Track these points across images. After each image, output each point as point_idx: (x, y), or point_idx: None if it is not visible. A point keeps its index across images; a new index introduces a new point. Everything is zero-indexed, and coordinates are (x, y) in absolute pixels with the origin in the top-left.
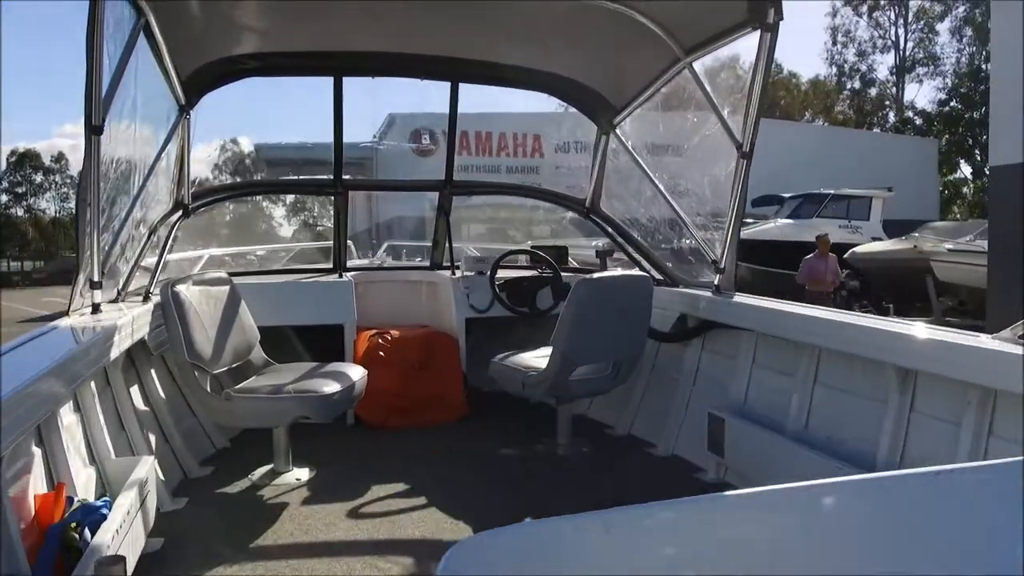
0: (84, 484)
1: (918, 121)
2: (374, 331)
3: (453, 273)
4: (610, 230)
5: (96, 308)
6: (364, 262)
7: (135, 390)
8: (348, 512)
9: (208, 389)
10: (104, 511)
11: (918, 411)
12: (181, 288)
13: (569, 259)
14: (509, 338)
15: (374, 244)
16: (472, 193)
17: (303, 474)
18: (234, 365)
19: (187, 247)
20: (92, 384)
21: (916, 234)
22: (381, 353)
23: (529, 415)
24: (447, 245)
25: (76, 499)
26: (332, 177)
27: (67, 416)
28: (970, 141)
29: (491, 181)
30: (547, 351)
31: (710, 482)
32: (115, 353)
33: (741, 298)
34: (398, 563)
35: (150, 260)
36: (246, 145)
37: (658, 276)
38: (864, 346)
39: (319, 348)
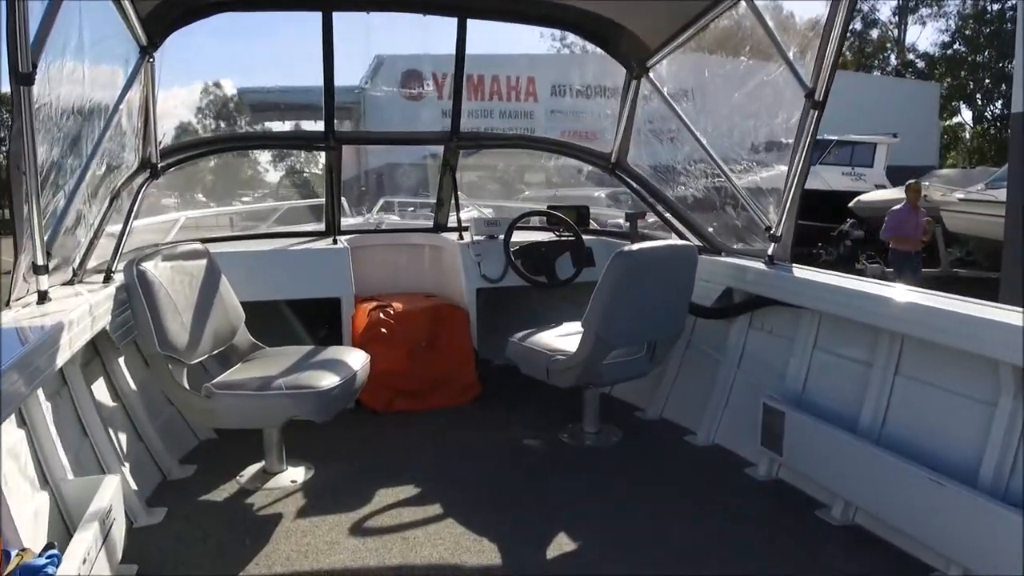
0: (32, 518)
1: (920, 64)
2: (375, 304)
3: (461, 237)
4: (640, 188)
5: (43, 297)
6: (358, 220)
7: (99, 386)
8: (351, 527)
9: (185, 385)
10: (50, 570)
11: None
12: (148, 266)
13: (591, 220)
14: (524, 306)
15: (363, 192)
16: (482, 146)
17: (298, 474)
18: (215, 352)
19: (159, 210)
20: (40, 393)
21: (925, 183)
22: (383, 330)
23: (548, 394)
24: (453, 204)
25: (13, 553)
26: (323, 129)
27: (9, 435)
28: (971, 85)
29: (503, 133)
30: (572, 328)
31: (762, 480)
32: (68, 353)
33: (800, 271)
34: None
35: (115, 228)
36: (229, 89)
37: (698, 243)
38: (966, 339)
39: (313, 324)
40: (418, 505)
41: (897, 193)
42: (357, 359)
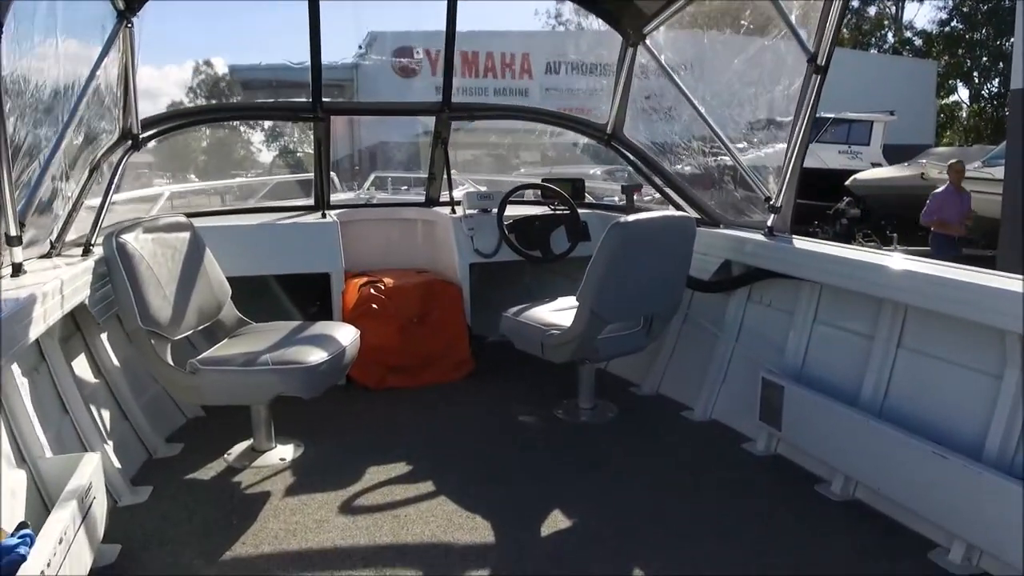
0: (8, 497)
1: (917, 42)
2: (365, 279)
3: (453, 211)
4: (636, 160)
5: (17, 269)
6: (349, 196)
7: (81, 362)
8: (341, 505)
9: (169, 361)
10: (22, 549)
11: None
12: (128, 238)
13: (586, 193)
14: (518, 280)
15: (357, 170)
16: (474, 117)
17: (287, 452)
18: (200, 328)
19: (143, 182)
20: (16, 366)
21: (922, 160)
22: (374, 306)
23: (543, 370)
24: (445, 178)
25: None
26: (310, 100)
27: None
28: (968, 63)
29: (495, 104)
30: (567, 302)
31: (761, 455)
32: (42, 327)
33: (800, 242)
34: None
35: (95, 201)
36: (220, 67)
37: (695, 215)
38: (970, 308)
39: (302, 301)
40: (410, 483)
41: (893, 171)
42: (347, 334)
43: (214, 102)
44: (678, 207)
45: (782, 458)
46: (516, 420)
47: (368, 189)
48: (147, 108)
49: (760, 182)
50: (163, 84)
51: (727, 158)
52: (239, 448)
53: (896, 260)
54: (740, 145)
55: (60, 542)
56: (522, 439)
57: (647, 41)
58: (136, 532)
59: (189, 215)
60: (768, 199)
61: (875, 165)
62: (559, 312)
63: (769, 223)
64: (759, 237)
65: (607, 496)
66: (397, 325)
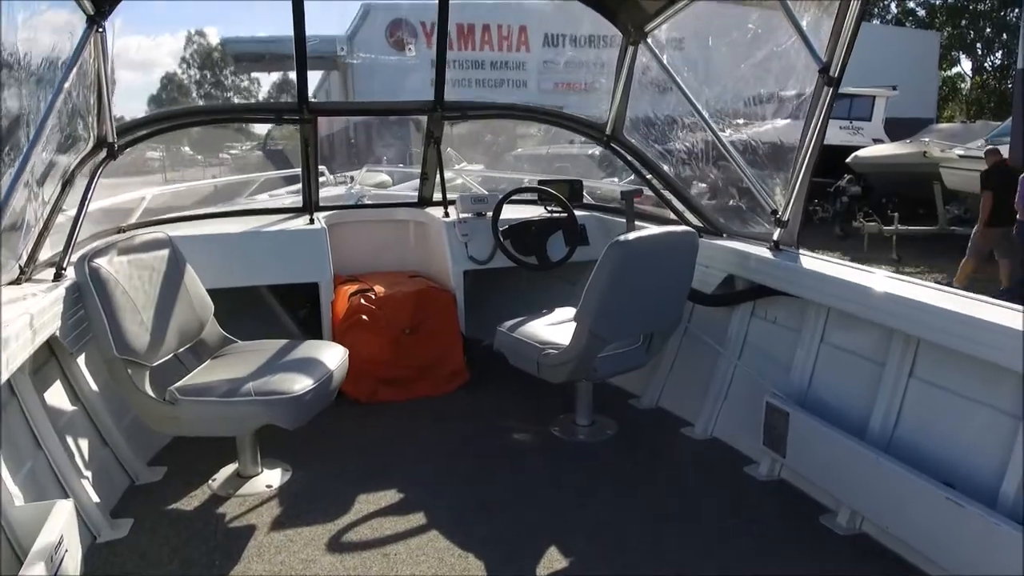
0: None
1: (920, 12)
2: (356, 287)
3: (447, 214)
4: (636, 163)
5: None
6: (340, 191)
7: (56, 391)
8: (329, 542)
9: (148, 389)
10: None
11: None
12: (102, 262)
13: (584, 194)
14: (514, 285)
15: (351, 144)
16: (467, 117)
17: (274, 477)
18: (181, 350)
19: (141, 164)
20: None
21: (925, 139)
22: (364, 317)
23: (540, 381)
24: (438, 178)
25: None
26: (296, 100)
27: None
28: (972, 34)
29: (490, 102)
30: (565, 314)
31: (764, 480)
32: (10, 369)
33: (808, 261)
34: None
35: (70, 213)
36: (213, 37)
37: (697, 223)
38: (987, 349)
39: (293, 305)
40: (400, 514)
41: (895, 149)
42: (334, 356)
43: (208, 75)
44: (679, 214)
45: (786, 484)
46: (511, 438)
47: (360, 187)
48: (140, 80)
49: (766, 193)
50: (156, 54)
51: (730, 163)
52: (224, 473)
53: (909, 288)
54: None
55: None
56: (517, 461)
57: (648, 40)
58: (115, 574)
59: (170, 219)
60: (775, 212)
61: (877, 141)
62: (556, 327)
63: (775, 237)
64: (764, 252)
65: (604, 528)
66: (389, 337)
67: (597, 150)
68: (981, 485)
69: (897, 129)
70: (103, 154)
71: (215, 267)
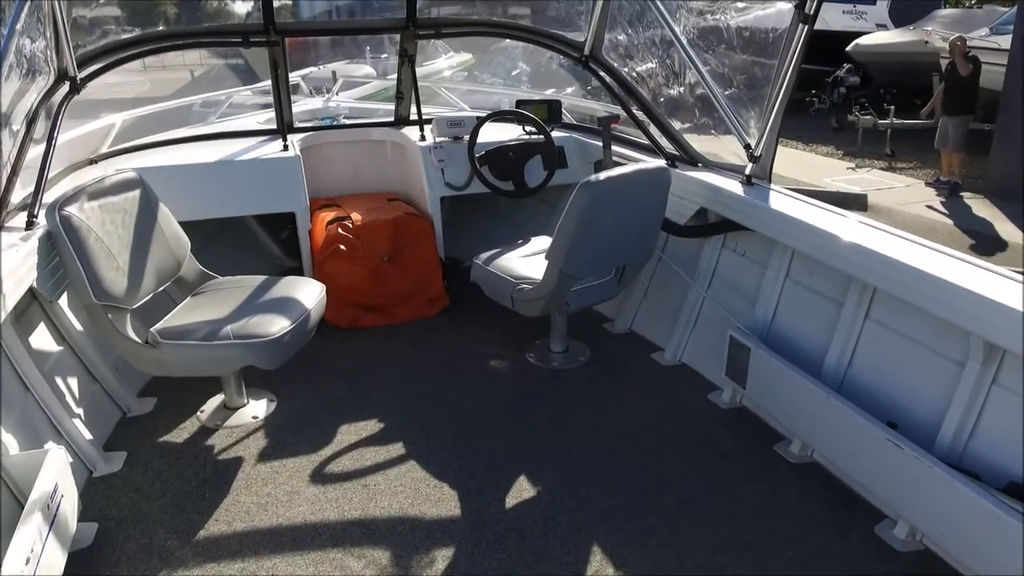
0: None
1: None
2: (333, 214)
3: (423, 138)
4: (615, 86)
5: None
6: (317, 103)
7: (41, 333)
8: (312, 473)
9: (130, 332)
10: None
11: (1002, 386)
12: (72, 210)
13: (564, 113)
14: (493, 208)
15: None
16: (442, 35)
17: (260, 408)
18: (161, 290)
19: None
20: None
21: (927, 27)
22: (342, 247)
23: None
24: (414, 98)
25: None
26: (261, 21)
27: None
28: None
29: (464, 18)
30: (542, 244)
31: (726, 408)
32: None
33: (778, 198)
34: (369, 559)
35: (39, 150)
36: None
37: (673, 151)
38: (939, 305)
39: (273, 228)
40: (379, 444)
41: (896, 37)
42: (311, 293)
43: (160, 29)
44: (654, 141)
45: (746, 412)
46: (487, 365)
47: (336, 105)
48: None
49: (741, 126)
50: None
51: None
52: (212, 404)
53: (871, 237)
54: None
55: (27, 562)
56: (491, 389)
57: None
58: (111, 508)
59: (142, 146)
60: (748, 146)
61: (880, 27)
62: (531, 260)
63: (748, 171)
64: (736, 186)
65: (571, 458)
66: (367, 266)
67: None
68: (922, 426)
69: (904, 15)
70: (65, 88)
71: (188, 199)
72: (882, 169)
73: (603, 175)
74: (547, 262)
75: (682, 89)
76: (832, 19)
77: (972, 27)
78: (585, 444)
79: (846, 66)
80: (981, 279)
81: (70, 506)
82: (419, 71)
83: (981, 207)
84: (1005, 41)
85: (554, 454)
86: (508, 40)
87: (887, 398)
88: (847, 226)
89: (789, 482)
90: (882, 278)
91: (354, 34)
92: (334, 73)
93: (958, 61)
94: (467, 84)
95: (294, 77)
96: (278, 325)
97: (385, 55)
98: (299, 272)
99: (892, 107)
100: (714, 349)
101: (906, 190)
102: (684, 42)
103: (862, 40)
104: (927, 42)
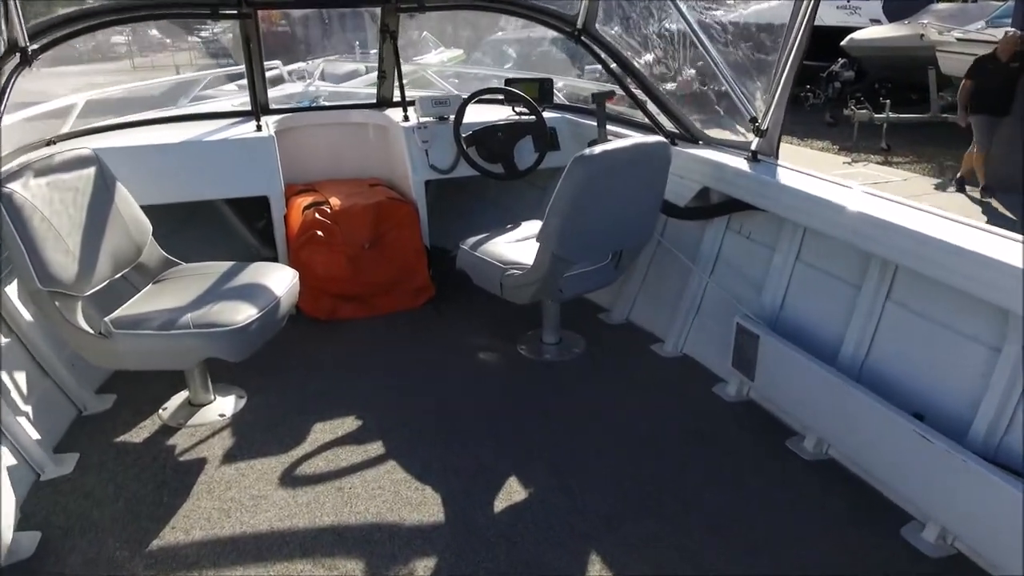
0: None
1: None
2: (310, 199)
3: (406, 118)
4: (610, 62)
5: None
6: (298, 88)
7: None
8: (282, 476)
9: (81, 324)
10: None
11: None
12: (15, 187)
13: (555, 93)
14: (482, 193)
15: (326, 25)
16: (425, 8)
17: (227, 405)
18: (118, 277)
19: (107, 49)
20: None
21: (923, 20)
22: (320, 233)
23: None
24: (396, 77)
25: None
26: None
27: None
28: None
29: None
30: (532, 228)
31: (731, 401)
32: None
33: (786, 173)
34: (342, 570)
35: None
36: None
37: (672, 128)
38: (970, 281)
39: (249, 217)
40: (357, 443)
41: (891, 31)
42: (282, 280)
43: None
44: (652, 119)
45: (754, 406)
46: (476, 358)
47: (316, 87)
48: None
49: (746, 98)
50: None
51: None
52: (175, 401)
53: (891, 210)
54: None
55: None
56: (480, 383)
57: None
58: (58, 515)
59: (105, 128)
60: (754, 119)
61: (875, 22)
62: (521, 244)
63: (753, 147)
64: (741, 163)
65: (565, 456)
66: (346, 253)
67: None
68: (952, 417)
69: (897, 10)
70: (16, 60)
71: (153, 181)
72: (878, 163)
73: (598, 148)
74: (538, 244)
75: (680, 63)
76: (826, 14)
77: (967, 21)
78: (581, 442)
79: (841, 61)
80: (1019, 253)
81: (7, 513)
82: (408, 67)
83: (970, 200)
84: (1000, 34)
85: (548, 452)
86: (500, 33)
87: (912, 387)
88: (864, 200)
89: (804, 481)
90: (906, 253)
91: (332, 7)
92: (322, 69)
93: (1005, 55)
94: (459, 67)
95: (279, 69)
96: (244, 313)
97: (375, 51)
98: (274, 261)
99: (887, 102)
100: (718, 339)
101: (903, 184)
102: (683, 9)
103: (857, 35)
104: (923, 36)
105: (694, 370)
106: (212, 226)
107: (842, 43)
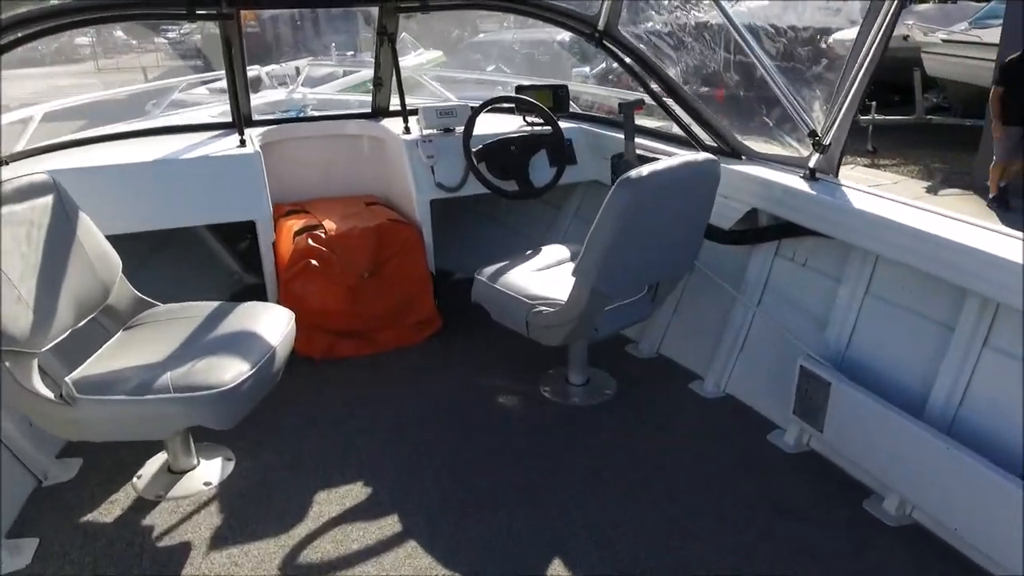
0: None
1: None
2: (302, 222)
3: (407, 130)
4: (635, 66)
5: None
6: (279, 95)
7: None
8: (283, 565)
9: (37, 388)
10: None
11: None
12: None
13: (571, 103)
14: (491, 211)
15: (297, 27)
16: (428, 8)
17: (213, 471)
18: (80, 326)
19: (71, 51)
20: None
21: (908, 21)
22: (314, 262)
23: None
24: (395, 85)
25: None
26: None
27: None
28: None
29: None
30: (555, 254)
31: (792, 452)
32: None
33: (855, 196)
34: None
35: None
36: None
37: (710, 142)
38: None
39: (227, 243)
40: (368, 517)
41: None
42: (276, 326)
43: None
44: (688, 131)
45: (818, 458)
46: (494, 402)
47: (302, 95)
48: None
49: (803, 108)
50: None
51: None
52: (152, 467)
53: (988, 240)
54: None
55: None
56: (503, 434)
57: None
58: None
59: (66, 144)
60: (813, 133)
61: (853, 24)
62: (547, 275)
63: (811, 164)
64: (797, 182)
65: (610, 522)
66: (345, 284)
67: (566, 35)
68: None
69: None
70: None
71: (122, 208)
72: (865, 166)
73: (645, 170)
74: (574, 279)
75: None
76: (808, 16)
77: (948, 22)
78: (628, 507)
79: (823, 62)
80: None
81: None
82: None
83: (964, 203)
84: (986, 35)
85: (588, 517)
86: (482, 35)
87: (1016, 446)
88: (955, 227)
89: (891, 550)
90: (1010, 291)
91: (324, 6)
92: (297, 69)
93: None
94: (444, 71)
95: (255, 70)
96: (234, 370)
97: (352, 52)
98: (261, 291)
99: (873, 103)
100: (768, 378)
101: (894, 187)
102: (729, 11)
103: (838, 35)
104: (907, 37)
105: (742, 414)
106: (188, 251)
107: (825, 44)
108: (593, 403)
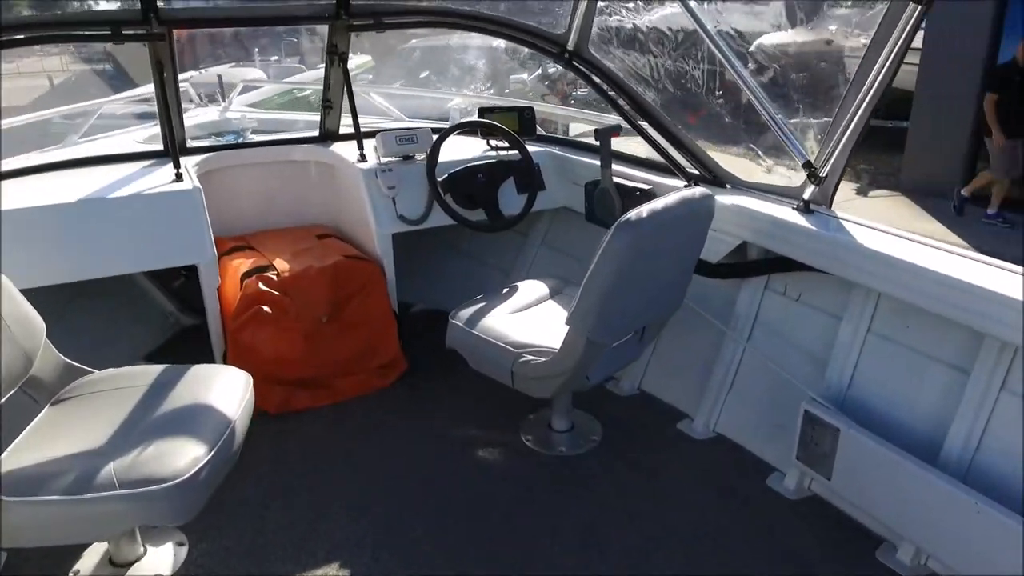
0: None
1: None
2: (250, 262)
3: (362, 157)
4: (606, 87)
5: None
6: (212, 115)
7: None
8: None
9: None
10: None
11: None
12: None
13: (537, 126)
14: (451, 240)
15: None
16: (384, 26)
17: (164, 560)
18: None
19: None
20: None
21: (832, 27)
22: (267, 309)
23: None
24: (349, 108)
25: None
26: (140, 7)
27: None
28: None
29: (412, 4)
30: (535, 290)
31: (794, 499)
32: None
33: (855, 230)
34: None
35: None
36: None
37: (691, 170)
38: None
39: (161, 283)
40: None
41: (796, 36)
42: (234, 392)
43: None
44: (669, 158)
45: (823, 504)
46: (473, 455)
47: (238, 116)
48: None
49: (795, 138)
50: None
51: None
52: (91, 558)
53: (1002, 280)
54: None
55: None
56: (484, 493)
57: None
58: None
59: None
60: (808, 164)
61: (775, 28)
62: (528, 316)
63: (806, 195)
64: (790, 213)
65: None
66: (300, 330)
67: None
68: None
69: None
70: None
71: (40, 257)
72: (792, 170)
73: (644, 211)
74: (568, 327)
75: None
76: (735, 20)
77: (868, 25)
78: (624, 567)
79: (750, 66)
80: None
81: None
82: (308, 75)
83: (895, 205)
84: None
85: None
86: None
87: None
88: (966, 267)
89: None
90: (1019, 331)
91: (267, 24)
92: (220, 78)
93: None
94: (408, 90)
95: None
96: (188, 456)
97: (276, 58)
98: (202, 334)
99: (800, 106)
100: (760, 417)
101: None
102: (712, 32)
103: (764, 40)
104: (830, 41)
105: (736, 456)
106: (113, 294)
107: (750, 49)
108: (580, 452)
